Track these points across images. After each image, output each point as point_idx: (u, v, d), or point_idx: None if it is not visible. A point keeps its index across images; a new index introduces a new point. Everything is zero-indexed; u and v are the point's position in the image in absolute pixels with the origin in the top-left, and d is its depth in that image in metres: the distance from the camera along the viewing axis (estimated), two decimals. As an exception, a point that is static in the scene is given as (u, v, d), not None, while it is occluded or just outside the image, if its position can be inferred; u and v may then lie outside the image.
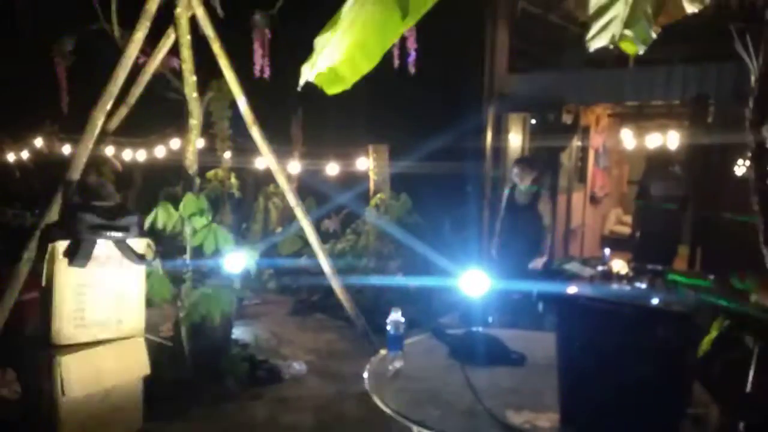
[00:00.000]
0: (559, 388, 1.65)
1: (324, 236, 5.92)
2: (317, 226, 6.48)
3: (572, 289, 1.64)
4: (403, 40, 4.68)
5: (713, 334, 2.96)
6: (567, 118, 5.97)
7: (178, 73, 4.05)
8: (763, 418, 1.68)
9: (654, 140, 5.77)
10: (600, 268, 1.80)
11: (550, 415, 1.70)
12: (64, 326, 2.87)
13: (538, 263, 4.39)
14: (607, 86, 5.39)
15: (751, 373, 1.77)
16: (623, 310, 1.51)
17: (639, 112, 6.55)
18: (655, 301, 1.53)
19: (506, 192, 4.78)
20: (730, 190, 4.57)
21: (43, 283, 2.90)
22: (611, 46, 1.46)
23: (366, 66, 1.80)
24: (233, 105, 5.31)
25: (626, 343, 1.50)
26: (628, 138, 6.28)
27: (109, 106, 3.45)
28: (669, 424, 1.55)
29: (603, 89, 5.41)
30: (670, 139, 5.55)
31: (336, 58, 1.79)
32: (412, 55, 4.73)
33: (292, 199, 4.28)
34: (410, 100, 7.11)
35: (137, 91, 3.69)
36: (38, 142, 7.89)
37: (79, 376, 2.84)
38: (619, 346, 1.51)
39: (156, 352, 3.46)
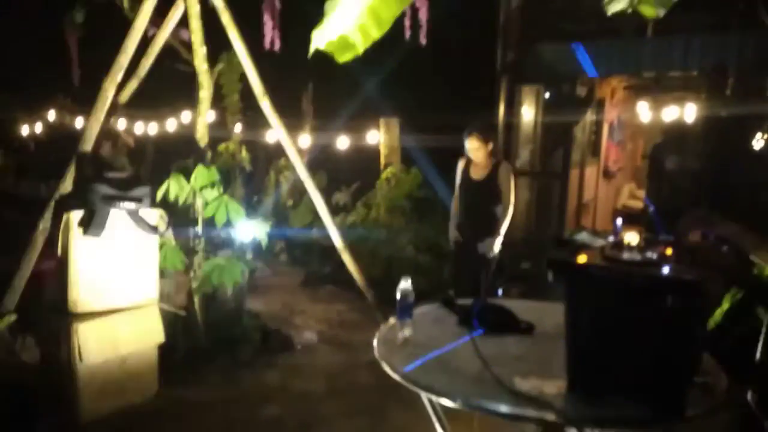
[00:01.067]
0: (567, 356, 1.66)
1: (335, 209, 5.94)
2: (328, 199, 6.52)
3: (582, 259, 1.64)
4: (415, 11, 4.60)
5: (725, 306, 2.96)
6: (581, 91, 5.87)
7: (188, 45, 4.04)
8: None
9: (670, 113, 5.66)
10: (611, 239, 1.79)
11: (557, 382, 1.71)
12: (81, 295, 2.94)
13: (490, 245, 3.84)
14: (624, 57, 5.27)
15: (761, 343, 1.76)
16: (633, 279, 1.51)
17: (655, 84, 6.41)
18: (665, 270, 1.52)
19: (460, 167, 4.06)
20: (746, 164, 4.50)
21: (59, 253, 2.95)
22: (630, 10, 1.42)
23: (376, 32, 1.78)
24: (243, 78, 5.29)
25: (635, 311, 1.50)
26: (643, 111, 6.17)
27: (119, 78, 3.46)
28: (677, 392, 1.56)
29: (620, 60, 5.29)
30: (687, 112, 5.45)
31: (346, 25, 1.77)
32: (424, 27, 4.65)
33: (302, 172, 4.28)
34: (422, 74, 7.03)
35: (147, 62, 3.69)
36: (51, 115, 7.94)
37: (96, 343, 2.92)
38: (629, 314, 1.51)
39: (170, 321, 3.54)
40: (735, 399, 1.77)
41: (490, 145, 3.92)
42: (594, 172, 6.66)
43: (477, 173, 4.00)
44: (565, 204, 5.80)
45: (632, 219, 5.96)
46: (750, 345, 2.27)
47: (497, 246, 3.94)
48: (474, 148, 3.87)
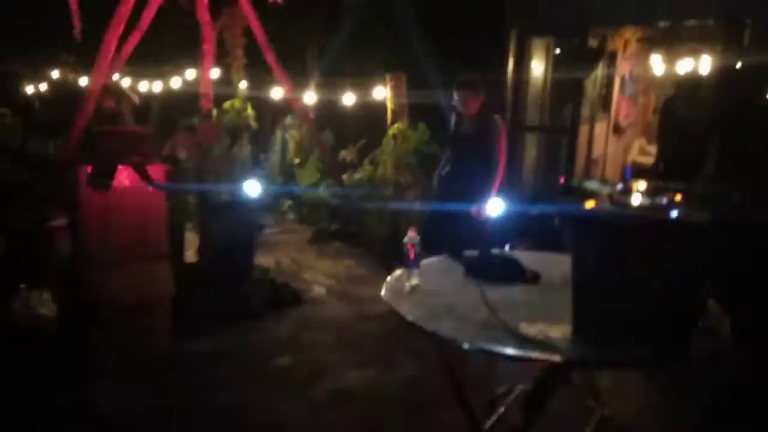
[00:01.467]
0: (572, 301, 1.68)
1: (342, 166, 5.93)
2: (335, 156, 6.50)
3: (590, 205, 1.63)
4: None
5: (732, 261, 2.95)
6: (593, 44, 5.72)
7: (191, -1, 3.96)
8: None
9: (684, 65, 5.51)
10: (620, 186, 1.78)
11: (562, 327, 1.73)
12: (92, 247, 2.98)
13: (481, 208, 3.64)
14: (638, 5, 5.09)
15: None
16: (640, 223, 1.51)
17: (669, 36, 6.23)
18: (674, 214, 1.52)
19: (452, 122, 3.95)
20: (761, 117, 4.40)
21: (69, 205, 2.98)
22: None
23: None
24: (247, 33, 5.20)
25: (642, 255, 1.51)
26: (657, 64, 6.01)
27: (120, 30, 3.41)
28: (681, 335, 1.58)
29: (634, 9, 5.12)
30: (702, 64, 5.30)
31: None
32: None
33: (308, 127, 4.26)
34: (429, 28, 6.86)
35: (149, 14, 3.62)
36: (55, 73, 7.87)
37: (111, 294, 2.98)
38: (635, 259, 1.52)
39: (181, 275, 3.59)
40: (739, 344, 1.78)
41: (481, 97, 3.74)
42: (604, 128, 6.56)
43: (467, 127, 3.83)
44: (573, 160, 5.74)
45: (642, 174, 5.91)
46: (759, 301, 2.28)
47: (491, 207, 3.68)
48: (463, 99, 3.73)
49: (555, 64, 6.11)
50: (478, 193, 3.69)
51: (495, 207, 3.48)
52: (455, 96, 3.77)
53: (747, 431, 1.86)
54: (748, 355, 1.84)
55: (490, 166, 3.72)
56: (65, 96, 6.77)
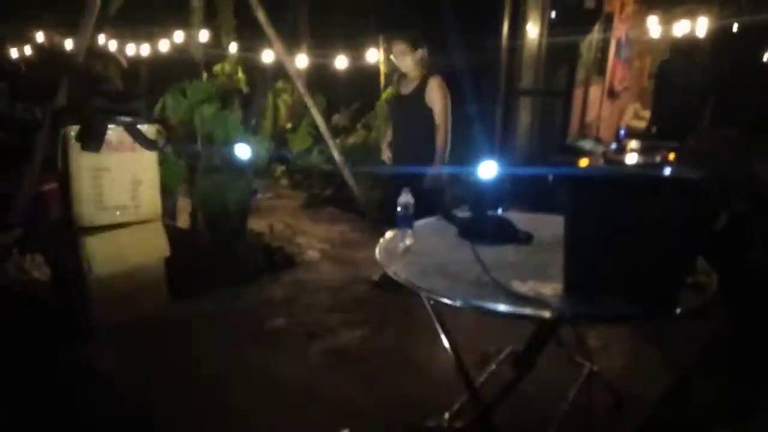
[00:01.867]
0: (564, 258, 1.70)
1: (335, 131, 5.88)
2: (328, 120, 6.42)
3: (584, 162, 1.64)
4: None
5: (723, 222, 2.99)
6: (589, 3, 5.63)
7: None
8: (762, 290, 1.74)
9: (681, 27, 5.46)
10: (614, 146, 1.79)
11: (554, 284, 1.76)
12: (85, 209, 2.97)
13: (430, 180, 3.42)
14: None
15: (756, 249, 1.80)
16: (632, 180, 1.52)
17: (667, -3, 6.16)
18: (666, 171, 1.52)
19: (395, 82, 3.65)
20: (756, 79, 4.39)
21: (59, 168, 2.96)
22: None
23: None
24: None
25: (633, 211, 1.52)
26: (653, 25, 5.94)
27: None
28: (669, 291, 1.61)
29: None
30: (698, 26, 5.25)
31: None
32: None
33: (301, 89, 4.20)
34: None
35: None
36: (39, 36, 7.67)
37: (104, 256, 2.98)
38: (626, 214, 1.53)
39: (175, 237, 3.59)
40: (725, 300, 1.82)
41: (420, 53, 3.40)
42: (599, 92, 6.52)
43: (406, 86, 3.53)
44: (567, 124, 5.72)
45: (636, 137, 5.91)
46: (746, 260, 2.32)
47: (439, 177, 3.47)
48: (398, 53, 3.41)
49: (550, 26, 6.02)
50: (423, 162, 3.43)
51: (488, 169, 3.46)
52: (391, 49, 3.52)
53: (731, 383, 1.93)
54: (732, 310, 1.89)
55: (432, 132, 3.43)
56: (51, 59, 6.61)
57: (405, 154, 3.55)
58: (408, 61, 3.42)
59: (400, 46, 3.41)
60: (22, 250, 3.62)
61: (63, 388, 2.61)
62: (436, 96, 3.40)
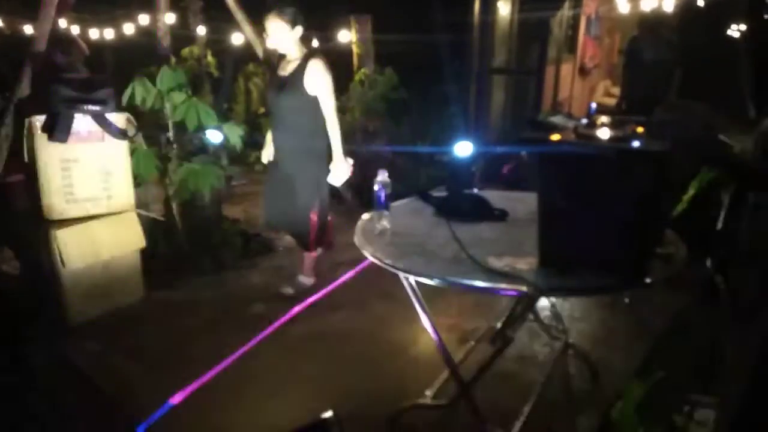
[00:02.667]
0: (538, 233, 1.74)
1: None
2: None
3: (555, 137, 1.66)
4: None
5: (691, 192, 3.07)
6: (559, -20, 5.65)
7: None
8: (728, 253, 1.80)
9: (648, 3, 5.52)
10: (584, 120, 1.81)
11: (529, 259, 1.79)
12: (55, 201, 2.90)
13: (338, 172, 3.11)
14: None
15: (722, 216, 1.86)
16: (601, 152, 1.55)
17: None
18: (635, 143, 1.56)
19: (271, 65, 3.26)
20: (721, 52, 4.48)
21: (26, 159, 2.88)
22: None
23: None
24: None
25: (603, 184, 1.56)
26: (622, 2, 5.99)
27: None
28: (639, 261, 1.66)
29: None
30: (665, 2, 5.32)
31: None
32: None
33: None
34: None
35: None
36: (-3, 22, 7.36)
37: (77, 248, 2.92)
38: (596, 186, 1.57)
39: (150, 228, 3.55)
40: (694, 268, 1.88)
41: (298, 31, 2.99)
42: (570, 69, 6.58)
43: (284, 69, 3.07)
44: (539, 102, 5.77)
45: (606, 113, 5.99)
46: (714, 228, 2.40)
47: (341, 173, 3.15)
48: (274, 30, 2.97)
49: (521, 4, 6.03)
50: (309, 159, 3.11)
51: (463, 148, 3.46)
52: (265, 25, 3.04)
53: (700, 351, 2.00)
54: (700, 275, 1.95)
55: (318, 122, 3.04)
56: (11, 45, 6.37)
57: (289, 152, 3.13)
58: (283, 37, 2.98)
59: (275, 23, 2.96)
60: (-10, 245, 3.53)
61: (39, 386, 2.57)
62: (319, 80, 2.96)
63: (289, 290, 3.40)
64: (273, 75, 3.17)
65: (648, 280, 1.66)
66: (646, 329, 2.91)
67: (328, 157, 3.17)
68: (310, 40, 3.23)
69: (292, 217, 3.25)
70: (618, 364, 2.67)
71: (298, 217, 3.23)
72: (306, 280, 3.47)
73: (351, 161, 3.20)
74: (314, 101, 3.01)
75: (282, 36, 2.99)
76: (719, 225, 1.84)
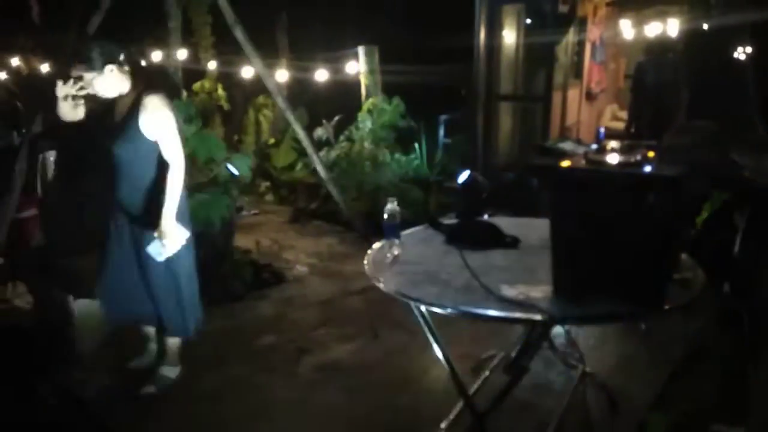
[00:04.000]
0: (552, 260, 1.71)
1: (318, 144, 5.88)
2: (310, 134, 6.43)
3: (565, 164, 1.65)
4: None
5: (704, 215, 3.03)
6: (563, 8, 5.72)
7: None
8: (747, 280, 1.76)
9: (653, 29, 5.57)
10: (594, 146, 1.81)
11: (542, 287, 1.77)
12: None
13: (166, 242, 2.41)
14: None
15: (738, 240, 1.83)
16: (614, 177, 1.53)
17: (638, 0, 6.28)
18: (647, 169, 1.54)
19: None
20: (727, 76, 4.48)
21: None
22: None
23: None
24: (214, 11, 5.07)
25: (616, 209, 1.54)
26: (626, 28, 6.05)
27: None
28: (656, 288, 1.62)
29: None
30: (670, 27, 5.36)
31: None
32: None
33: (281, 104, 4.20)
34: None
35: (109, -7, 3.50)
36: (15, 60, 7.59)
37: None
38: (610, 213, 1.55)
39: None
40: (712, 294, 1.84)
41: (124, 65, 2.39)
42: (577, 95, 6.60)
43: (118, 111, 2.43)
44: (548, 128, 5.79)
45: (615, 137, 5.98)
46: (729, 251, 2.35)
47: (169, 244, 2.43)
48: (91, 77, 2.35)
49: (526, 31, 6.11)
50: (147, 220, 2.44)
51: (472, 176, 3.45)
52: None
53: (720, 378, 1.94)
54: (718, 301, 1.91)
55: (160, 174, 2.42)
56: (28, 84, 6.54)
57: (135, 217, 2.49)
58: (107, 80, 2.37)
59: (88, 58, 2.34)
60: (3, 279, 3.55)
61: (49, 419, 2.55)
62: (157, 120, 2.37)
63: (151, 389, 2.70)
64: (103, 120, 2.46)
65: (666, 307, 1.63)
66: (664, 356, 2.84)
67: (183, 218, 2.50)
68: (141, 67, 2.73)
69: (146, 303, 2.62)
70: (637, 393, 2.60)
71: (157, 300, 2.60)
72: (171, 371, 2.78)
73: (186, 233, 2.50)
74: (154, 147, 2.41)
75: (98, 75, 2.35)
76: (735, 248, 1.80)
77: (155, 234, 2.42)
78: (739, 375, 1.91)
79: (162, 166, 2.42)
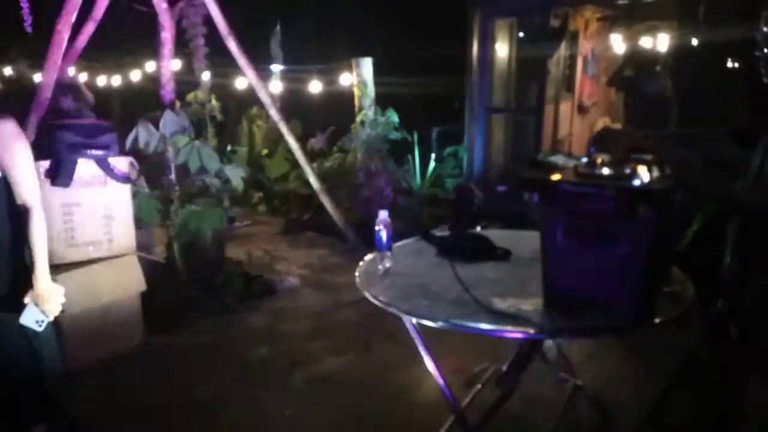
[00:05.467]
0: (542, 273, 1.71)
1: (311, 155, 5.88)
2: (304, 145, 6.43)
3: (556, 177, 1.66)
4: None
5: (696, 226, 3.04)
6: (555, 22, 5.78)
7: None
8: (740, 294, 1.76)
9: (644, 43, 5.64)
10: (585, 159, 1.81)
11: (534, 300, 1.77)
12: (55, 246, 2.89)
13: (44, 304, 1.98)
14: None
15: (730, 252, 1.83)
16: (604, 191, 1.54)
17: (629, 14, 6.35)
18: (636, 182, 1.55)
19: None
20: (717, 89, 4.53)
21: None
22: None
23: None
24: (207, 20, 5.08)
25: (606, 223, 1.54)
26: (617, 42, 6.12)
27: (73, 18, 3.28)
28: (646, 301, 1.62)
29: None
30: (660, 41, 5.43)
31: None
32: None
33: (275, 115, 4.20)
34: (392, 10, 6.84)
35: (103, 3, 3.50)
36: (7, 70, 7.56)
37: (77, 293, 2.90)
38: (600, 227, 1.55)
39: (151, 270, 3.52)
40: (703, 308, 1.85)
41: None
42: (569, 108, 6.65)
43: None
44: (540, 141, 5.82)
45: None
46: (721, 263, 2.36)
47: (49, 306, 2.03)
48: None
49: (519, 45, 6.17)
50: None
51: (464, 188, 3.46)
52: None
53: (712, 391, 1.94)
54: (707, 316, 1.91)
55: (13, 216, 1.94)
56: (19, 92, 6.51)
57: None
58: None
59: None
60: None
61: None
62: (6, 151, 1.90)
63: None
64: None
65: (656, 320, 1.63)
66: (656, 369, 2.83)
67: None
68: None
69: None
70: (629, 406, 2.59)
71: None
72: None
73: (62, 289, 2.09)
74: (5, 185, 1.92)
75: None
76: (726, 261, 1.81)
77: (27, 300, 1.95)
78: (731, 389, 1.90)
79: (13, 215, 1.90)
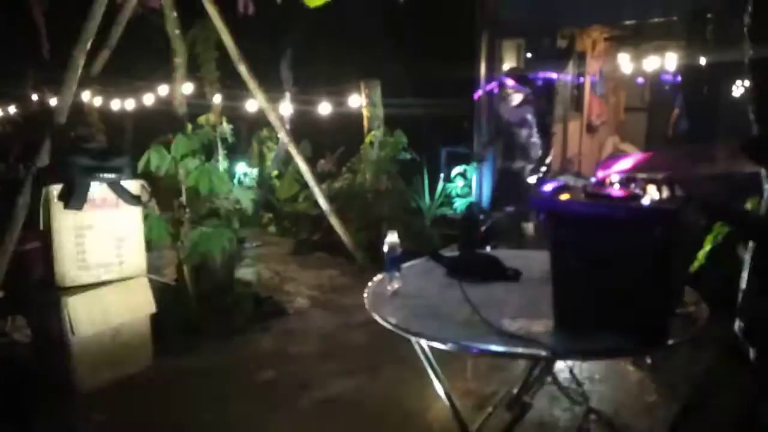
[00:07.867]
0: (552, 294, 1.69)
1: (320, 176, 5.92)
2: (313, 167, 6.48)
3: (565, 197, 1.65)
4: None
5: (707, 247, 3.00)
6: (562, 43, 5.83)
7: (159, 14, 3.94)
8: (753, 316, 1.73)
9: (651, 63, 5.64)
10: (593, 179, 1.82)
11: (544, 321, 1.74)
12: (67, 269, 2.92)
13: None
14: (603, 5, 5.22)
15: (746, 275, 1.80)
16: (614, 211, 1.53)
17: (636, 34, 6.38)
18: (646, 202, 1.54)
19: None
20: (725, 111, 4.52)
21: (41, 227, 2.92)
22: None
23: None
24: (219, 46, 5.18)
25: (616, 243, 1.53)
26: (624, 62, 6.14)
27: (88, 46, 3.36)
28: (659, 322, 1.60)
29: (600, 9, 5.25)
30: (668, 61, 5.43)
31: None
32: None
33: (284, 137, 4.25)
34: (400, 33, 6.92)
35: (118, 30, 3.59)
36: (24, 94, 7.74)
37: (87, 316, 2.91)
38: (610, 247, 1.54)
39: (161, 292, 3.54)
40: (719, 331, 1.81)
41: None
42: (577, 127, 6.67)
43: None
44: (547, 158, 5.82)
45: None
46: (734, 284, 2.32)
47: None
48: None
49: (526, 64, 6.21)
50: None
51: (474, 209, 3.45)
52: None
53: (728, 415, 1.89)
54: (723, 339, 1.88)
55: None
56: (35, 117, 6.65)
57: None
58: None
59: None
60: (2, 313, 3.53)
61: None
62: None
63: None
64: None
65: (670, 342, 1.60)
66: (671, 391, 2.78)
67: None
68: None
69: None
70: (643, 429, 2.53)
71: None
72: None
73: None
74: None
75: None
76: (742, 285, 1.78)
77: None
78: (749, 412, 1.86)
79: None
